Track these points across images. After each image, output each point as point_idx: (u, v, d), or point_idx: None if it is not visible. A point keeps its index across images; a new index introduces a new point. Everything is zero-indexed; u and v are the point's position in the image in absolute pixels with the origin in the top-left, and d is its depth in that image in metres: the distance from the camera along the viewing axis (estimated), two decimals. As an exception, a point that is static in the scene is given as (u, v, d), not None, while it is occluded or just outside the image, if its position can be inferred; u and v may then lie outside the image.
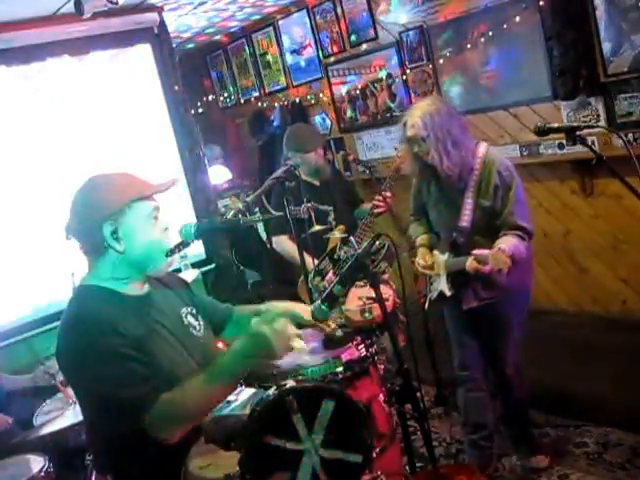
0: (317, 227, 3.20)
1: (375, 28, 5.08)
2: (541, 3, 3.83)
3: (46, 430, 2.57)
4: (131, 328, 1.66)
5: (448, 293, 2.79)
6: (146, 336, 1.70)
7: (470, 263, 2.56)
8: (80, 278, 1.82)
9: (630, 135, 3.72)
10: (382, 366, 2.20)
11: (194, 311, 1.94)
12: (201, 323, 1.93)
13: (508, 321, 2.83)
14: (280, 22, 5.90)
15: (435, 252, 2.86)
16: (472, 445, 3.01)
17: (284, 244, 3.70)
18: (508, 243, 2.56)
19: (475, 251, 2.55)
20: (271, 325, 1.64)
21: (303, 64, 5.85)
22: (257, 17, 5.95)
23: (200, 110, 6.28)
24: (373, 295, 1.94)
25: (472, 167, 2.70)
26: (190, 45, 6.55)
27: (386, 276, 3.24)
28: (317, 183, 3.81)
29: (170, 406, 1.58)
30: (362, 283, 2.34)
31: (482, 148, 2.76)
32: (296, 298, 3.68)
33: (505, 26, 4.08)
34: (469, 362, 2.95)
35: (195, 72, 6.90)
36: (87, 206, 1.73)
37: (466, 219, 2.70)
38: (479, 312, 2.80)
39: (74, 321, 1.70)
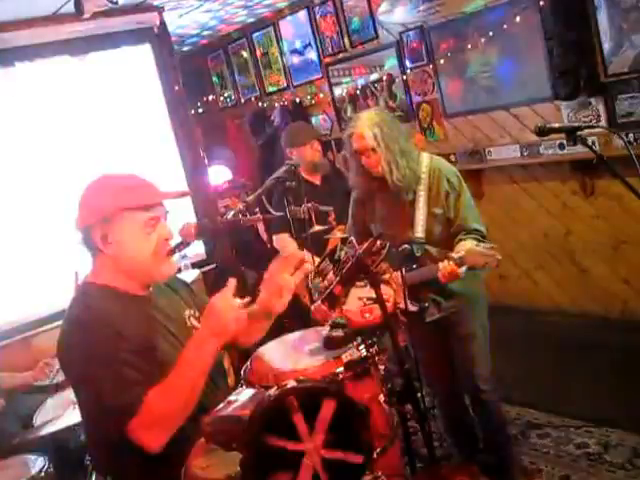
0: (317, 227, 3.20)
1: (375, 28, 5.09)
2: (541, 3, 3.84)
3: (46, 430, 2.57)
4: (132, 329, 1.66)
5: (413, 308, 2.66)
6: (148, 338, 1.69)
7: (445, 266, 2.44)
8: (84, 276, 1.82)
9: (631, 135, 3.72)
10: (383, 366, 2.20)
11: (197, 313, 1.93)
12: None
13: (473, 329, 2.75)
14: (280, 22, 5.90)
15: None
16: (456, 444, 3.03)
17: (284, 242, 3.70)
18: (472, 242, 2.52)
19: (450, 254, 2.47)
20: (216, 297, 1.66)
21: (303, 64, 5.86)
22: (257, 17, 5.95)
23: (200, 110, 6.27)
24: (373, 295, 1.94)
25: (419, 176, 2.65)
26: (190, 45, 6.55)
27: (386, 276, 3.23)
28: (318, 182, 3.81)
29: (154, 407, 1.57)
30: (362, 283, 2.33)
31: (426, 156, 2.73)
32: (296, 298, 3.68)
33: (505, 26, 4.08)
34: (442, 387, 2.90)
35: (195, 72, 6.90)
36: (84, 206, 1.75)
37: (420, 229, 2.64)
38: (442, 324, 2.73)
39: (75, 320, 1.70)
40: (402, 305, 2.62)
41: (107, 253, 1.72)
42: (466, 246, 2.48)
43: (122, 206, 1.71)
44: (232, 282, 1.69)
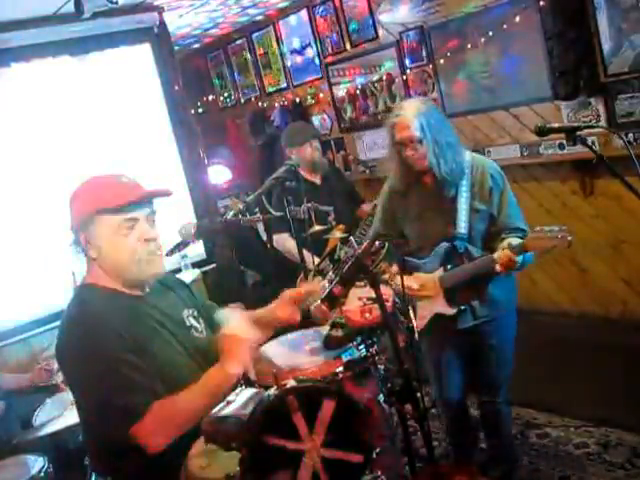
0: (317, 227, 3.21)
1: (375, 28, 5.09)
2: (541, 3, 3.84)
3: (46, 430, 2.56)
4: (131, 329, 1.67)
5: (452, 312, 2.53)
6: (146, 337, 1.70)
7: (502, 254, 2.32)
8: (81, 277, 1.82)
9: (630, 135, 3.73)
10: (382, 366, 2.20)
11: (195, 313, 1.94)
12: (203, 325, 1.93)
13: (505, 340, 2.66)
14: (280, 22, 5.90)
15: (417, 274, 2.58)
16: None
17: (285, 241, 3.70)
18: (518, 240, 2.43)
19: (508, 241, 2.36)
20: (228, 327, 1.74)
21: (303, 64, 5.86)
22: (257, 17, 5.95)
23: (200, 110, 6.27)
24: (373, 295, 1.94)
25: (464, 170, 2.52)
26: (190, 45, 6.55)
27: (386, 276, 3.23)
28: (318, 182, 3.81)
29: (161, 414, 1.59)
30: (362, 283, 2.33)
31: (467, 152, 2.61)
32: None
33: (505, 26, 4.08)
34: (453, 395, 2.75)
35: (195, 72, 6.90)
36: (70, 210, 1.78)
37: (463, 225, 2.49)
38: (474, 332, 2.60)
39: (74, 321, 1.70)
40: (441, 309, 2.53)
41: (90, 255, 1.74)
42: (514, 241, 2.37)
43: (94, 209, 1.72)
44: (241, 312, 1.80)
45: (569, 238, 2.21)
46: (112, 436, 1.61)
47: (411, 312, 2.45)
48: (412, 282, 2.55)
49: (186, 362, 1.77)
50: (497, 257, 2.35)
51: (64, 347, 1.69)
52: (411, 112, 2.45)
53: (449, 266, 2.52)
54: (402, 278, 2.11)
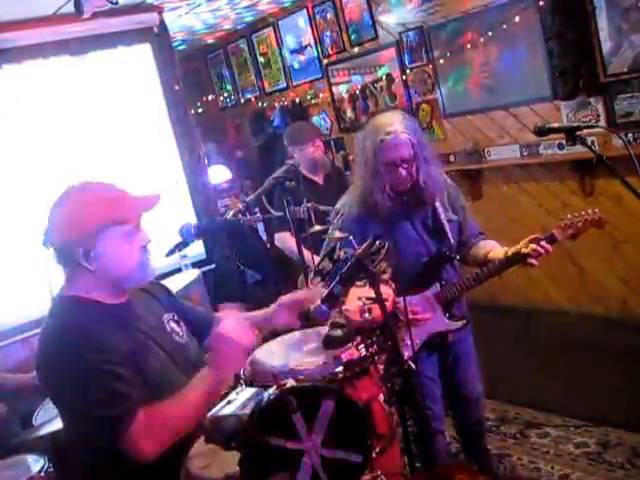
0: (317, 227, 3.20)
1: (375, 28, 5.09)
2: (541, 3, 3.84)
3: (46, 430, 2.56)
4: (114, 340, 1.64)
5: (458, 325, 2.45)
6: (129, 346, 1.67)
7: (539, 247, 2.30)
8: (58, 287, 1.78)
9: (630, 135, 3.73)
10: (382, 366, 2.20)
11: (176, 317, 1.91)
12: (183, 329, 1.90)
13: (473, 347, 2.64)
14: (280, 22, 5.91)
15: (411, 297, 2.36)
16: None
17: (286, 240, 3.70)
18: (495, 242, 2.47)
19: (531, 237, 2.34)
20: (222, 329, 1.67)
21: (303, 64, 5.86)
22: (257, 17, 5.95)
23: (200, 110, 6.28)
24: (373, 295, 1.94)
25: (444, 184, 2.44)
26: (190, 45, 6.55)
27: (386, 276, 3.22)
28: (320, 181, 3.81)
29: (148, 423, 1.56)
30: (362, 283, 2.32)
31: None
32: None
33: (505, 26, 4.08)
34: (440, 411, 2.58)
35: (195, 72, 6.90)
36: (61, 223, 1.69)
37: (451, 235, 2.42)
38: (454, 342, 2.54)
39: (55, 334, 1.65)
40: (443, 327, 2.43)
41: (89, 268, 1.67)
42: (496, 249, 2.43)
43: (104, 222, 1.67)
44: (239, 313, 1.72)
45: (602, 216, 2.35)
46: (101, 449, 1.59)
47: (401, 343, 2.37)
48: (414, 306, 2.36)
49: (168, 368, 1.75)
50: (530, 251, 2.33)
51: (45, 362, 1.64)
52: (401, 129, 2.26)
53: (443, 282, 2.45)
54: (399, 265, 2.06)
